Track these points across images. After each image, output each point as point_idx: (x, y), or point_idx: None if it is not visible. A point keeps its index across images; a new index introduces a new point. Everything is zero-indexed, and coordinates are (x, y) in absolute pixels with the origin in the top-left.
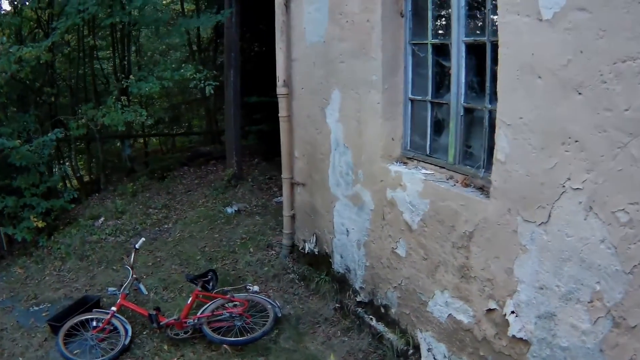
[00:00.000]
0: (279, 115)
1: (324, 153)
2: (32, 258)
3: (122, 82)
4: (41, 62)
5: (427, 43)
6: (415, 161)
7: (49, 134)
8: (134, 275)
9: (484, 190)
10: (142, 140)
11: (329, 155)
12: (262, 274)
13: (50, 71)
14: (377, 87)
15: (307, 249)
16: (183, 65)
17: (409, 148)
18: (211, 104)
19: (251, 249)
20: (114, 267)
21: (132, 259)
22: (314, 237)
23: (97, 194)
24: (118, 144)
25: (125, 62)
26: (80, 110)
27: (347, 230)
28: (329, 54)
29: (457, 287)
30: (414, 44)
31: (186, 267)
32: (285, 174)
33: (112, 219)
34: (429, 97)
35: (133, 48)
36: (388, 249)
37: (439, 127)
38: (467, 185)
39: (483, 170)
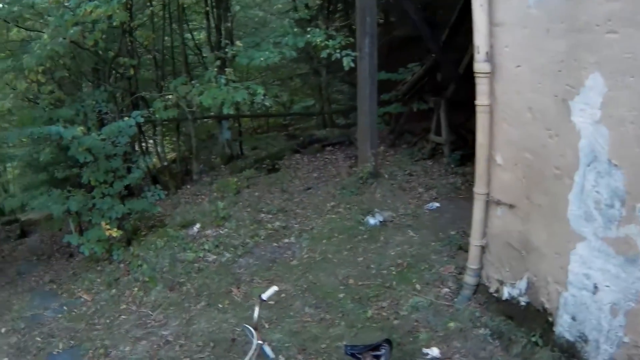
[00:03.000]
0: (476, 102)
1: (562, 167)
2: (102, 276)
3: (226, 50)
4: (114, 24)
5: None
6: None
7: (126, 119)
8: (259, 340)
9: None
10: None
11: (574, 172)
12: (438, 326)
13: (129, 38)
14: None
15: (505, 294)
16: (309, 29)
17: None
18: (322, 80)
19: (417, 285)
20: (219, 306)
21: (255, 314)
22: (524, 281)
23: (188, 187)
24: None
25: (223, 29)
26: (167, 87)
27: (595, 286)
28: (580, 17)
29: None
30: None
31: (326, 311)
32: (479, 188)
33: (212, 226)
34: None
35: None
36: None
37: None
38: None
39: None
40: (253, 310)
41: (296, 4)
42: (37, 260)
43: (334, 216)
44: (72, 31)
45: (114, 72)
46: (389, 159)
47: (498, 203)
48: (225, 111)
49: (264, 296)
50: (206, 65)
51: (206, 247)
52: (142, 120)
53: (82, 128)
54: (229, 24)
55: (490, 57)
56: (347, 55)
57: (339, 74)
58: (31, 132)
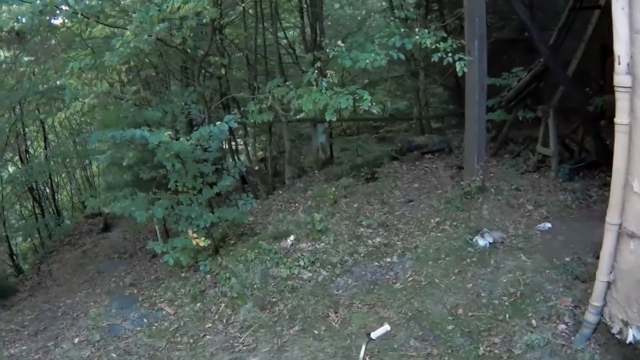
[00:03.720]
0: (615, 120)
1: None
2: (187, 287)
3: (327, 51)
4: (204, 21)
5: None
6: None
7: (218, 123)
8: None
9: None
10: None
11: None
12: None
13: (219, 36)
14: None
15: (629, 337)
16: (417, 29)
17: None
18: (420, 82)
19: (533, 320)
20: (315, 332)
21: (361, 355)
22: None
23: (280, 192)
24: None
25: (318, 28)
26: (260, 89)
27: None
28: None
29: None
30: None
31: (433, 345)
32: (611, 217)
33: (307, 239)
34: None
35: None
36: None
37: None
38: None
39: None
40: (358, 347)
41: (393, 3)
42: (118, 259)
43: (439, 234)
44: (158, 28)
45: (202, 71)
46: (492, 170)
47: (632, 236)
48: (327, 118)
49: (374, 335)
50: (300, 66)
51: (301, 263)
52: (235, 125)
53: (169, 132)
54: (327, 22)
55: (631, 69)
56: (460, 59)
57: (434, 76)
58: (112, 135)
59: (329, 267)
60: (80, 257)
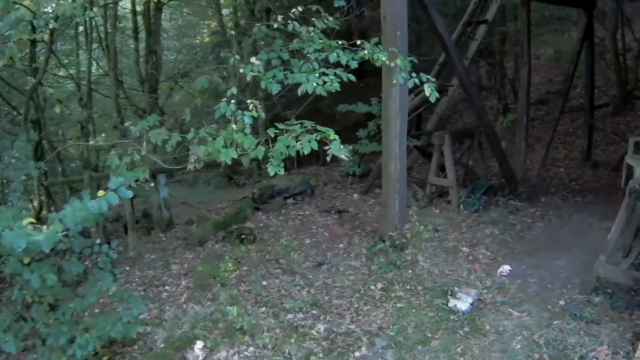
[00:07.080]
0: None
1: None
2: None
3: (241, 71)
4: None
5: None
6: None
7: (101, 193)
8: None
9: None
10: None
11: None
12: None
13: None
14: None
15: None
16: (360, 42)
17: None
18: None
19: None
20: None
21: None
22: None
23: (127, 269)
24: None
25: (154, 46)
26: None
27: None
28: None
29: None
30: None
31: None
32: None
33: (227, 345)
34: None
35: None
36: None
37: None
38: None
39: None
40: None
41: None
42: None
43: (400, 305)
44: None
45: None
46: (378, 210)
47: None
48: (271, 171)
49: None
50: (130, 100)
51: None
52: (130, 194)
53: (31, 220)
54: (153, 44)
55: None
56: (429, 80)
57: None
58: None
59: None
60: None
